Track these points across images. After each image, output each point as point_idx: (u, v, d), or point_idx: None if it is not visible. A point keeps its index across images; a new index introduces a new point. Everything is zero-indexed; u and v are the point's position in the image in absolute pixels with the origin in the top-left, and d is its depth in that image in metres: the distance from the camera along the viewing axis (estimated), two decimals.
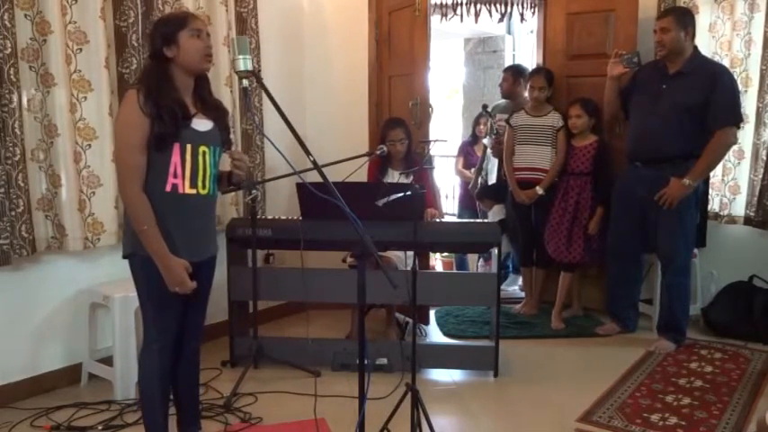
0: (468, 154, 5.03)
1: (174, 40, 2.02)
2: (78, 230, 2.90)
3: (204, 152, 2.09)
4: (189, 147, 2.05)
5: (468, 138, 5.20)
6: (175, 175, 2.04)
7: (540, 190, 3.91)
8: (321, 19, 4.26)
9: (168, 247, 2.03)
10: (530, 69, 4.36)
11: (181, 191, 2.06)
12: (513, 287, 4.76)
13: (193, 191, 2.09)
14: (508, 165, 4.04)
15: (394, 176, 3.55)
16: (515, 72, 4.51)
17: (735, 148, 3.68)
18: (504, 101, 4.70)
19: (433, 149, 4.00)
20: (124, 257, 2.13)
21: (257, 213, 3.26)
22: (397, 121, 3.62)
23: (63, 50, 2.79)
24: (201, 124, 2.09)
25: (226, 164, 2.25)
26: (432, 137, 3.84)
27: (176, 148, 2.02)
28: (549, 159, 3.93)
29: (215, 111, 2.18)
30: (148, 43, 2.17)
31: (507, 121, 4.08)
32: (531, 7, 4.84)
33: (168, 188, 2.04)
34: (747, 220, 3.82)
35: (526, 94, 4.16)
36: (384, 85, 4.16)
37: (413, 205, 2.51)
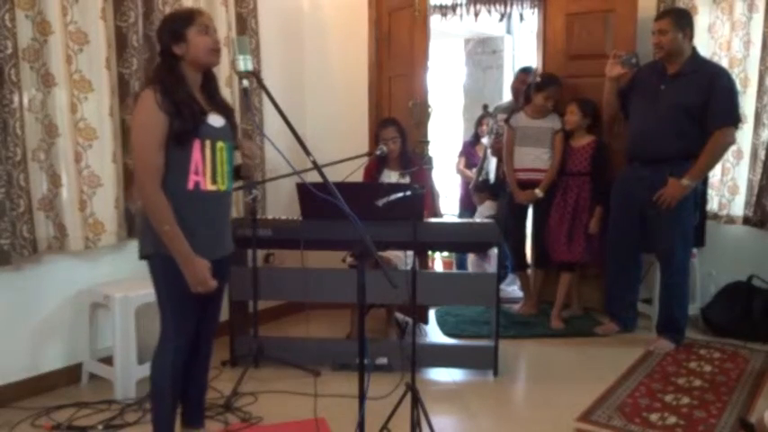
0: (470, 154, 5.04)
1: (182, 36, 2.02)
2: (79, 230, 2.90)
3: (222, 148, 2.10)
4: (208, 143, 2.06)
5: (471, 138, 5.22)
6: (197, 173, 2.04)
7: (539, 192, 3.92)
8: (321, 19, 4.27)
9: (193, 246, 2.02)
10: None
11: (203, 188, 2.06)
12: (513, 287, 4.76)
13: (214, 187, 2.09)
14: (508, 165, 4.05)
15: (390, 176, 3.55)
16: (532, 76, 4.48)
17: (733, 148, 3.68)
18: (506, 101, 4.70)
19: (433, 150, 4.00)
20: (143, 258, 2.11)
21: (257, 213, 3.27)
22: (388, 121, 3.63)
23: (64, 51, 2.79)
24: (216, 120, 2.10)
25: (236, 157, 2.26)
26: (431, 137, 3.85)
27: (197, 144, 2.03)
28: (547, 161, 3.94)
29: (224, 108, 2.19)
30: (156, 41, 2.17)
31: (507, 121, 4.09)
32: (530, 7, 4.85)
33: (191, 186, 2.04)
34: (746, 220, 3.83)
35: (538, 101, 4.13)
36: (384, 85, 4.17)
37: (413, 205, 2.51)
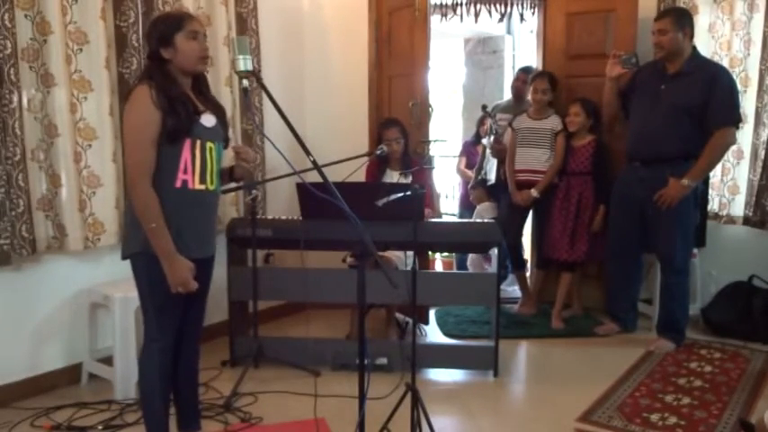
0: (471, 154, 5.03)
1: (170, 42, 2.02)
2: (78, 230, 2.90)
3: (211, 148, 2.10)
4: (198, 142, 2.06)
5: (471, 138, 5.21)
6: (185, 171, 2.05)
7: (534, 193, 3.93)
8: (321, 19, 4.27)
9: (179, 245, 2.02)
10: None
11: (191, 186, 2.06)
12: (513, 287, 4.76)
13: (202, 187, 2.10)
14: (510, 167, 4.05)
15: (392, 177, 3.55)
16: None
17: (734, 148, 3.68)
18: (504, 100, 4.69)
19: (434, 149, 4.01)
20: (126, 257, 2.11)
21: (257, 213, 3.26)
22: (391, 121, 3.63)
23: (63, 50, 2.79)
24: (207, 120, 2.10)
25: (227, 159, 2.26)
26: (431, 137, 3.85)
27: (187, 143, 2.03)
28: (545, 162, 3.95)
29: (216, 108, 2.19)
30: (145, 43, 2.16)
31: (510, 124, 4.10)
32: (531, 7, 4.85)
33: (178, 184, 2.04)
34: (746, 220, 3.83)
35: (529, 96, 4.16)
36: (384, 86, 4.17)
37: (413, 205, 2.51)
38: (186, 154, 2.04)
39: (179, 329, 2.18)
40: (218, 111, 2.20)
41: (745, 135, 3.77)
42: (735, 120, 3.36)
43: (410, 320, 3.54)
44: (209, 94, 2.21)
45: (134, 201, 2.03)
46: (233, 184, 2.43)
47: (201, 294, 2.22)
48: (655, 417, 2.70)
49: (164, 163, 2.01)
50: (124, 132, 2.12)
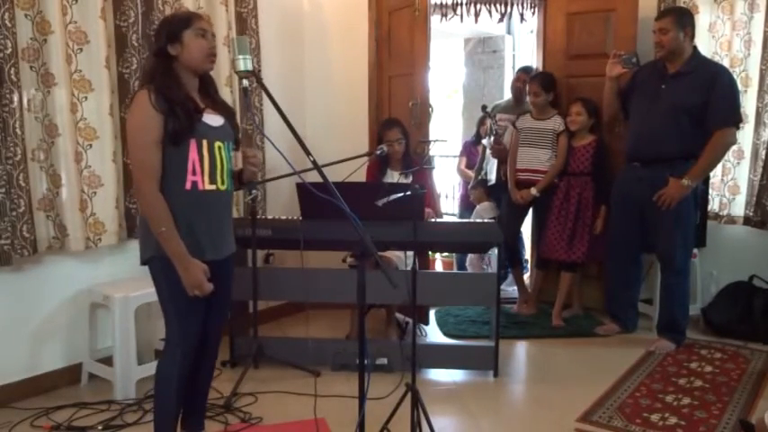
0: (472, 154, 5.03)
1: (178, 38, 2.03)
2: (79, 230, 2.90)
3: (219, 147, 2.09)
4: (205, 142, 2.05)
5: (472, 138, 5.21)
6: (194, 172, 2.04)
7: (534, 191, 3.93)
8: (321, 19, 4.27)
9: (193, 247, 2.02)
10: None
11: (201, 188, 2.05)
12: (513, 287, 4.76)
13: (213, 187, 2.08)
14: (511, 166, 4.06)
15: (393, 177, 3.55)
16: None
17: (734, 148, 3.68)
18: (504, 100, 4.69)
19: (434, 149, 4.01)
20: (144, 263, 2.10)
21: (257, 213, 3.26)
22: (393, 122, 3.64)
23: (63, 50, 2.79)
24: (213, 119, 2.10)
25: (237, 162, 2.26)
26: (431, 137, 3.85)
27: (193, 144, 2.02)
28: (547, 161, 3.95)
29: (224, 109, 2.19)
30: (152, 41, 2.16)
31: (514, 124, 4.11)
32: (531, 7, 4.85)
33: (188, 186, 2.03)
34: (747, 220, 3.83)
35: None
36: (384, 85, 4.17)
37: (413, 205, 2.51)
38: (193, 155, 2.03)
39: (201, 332, 2.16)
40: (227, 112, 2.20)
41: (745, 135, 3.77)
42: (735, 120, 3.36)
43: (410, 320, 3.54)
44: (218, 95, 2.20)
45: (141, 204, 2.03)
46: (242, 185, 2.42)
47: (222, 296, 2.19)
48: (655, 417, 2.70)
49: (171, 165, 2.01)
50: (127, 137, 2.12)
